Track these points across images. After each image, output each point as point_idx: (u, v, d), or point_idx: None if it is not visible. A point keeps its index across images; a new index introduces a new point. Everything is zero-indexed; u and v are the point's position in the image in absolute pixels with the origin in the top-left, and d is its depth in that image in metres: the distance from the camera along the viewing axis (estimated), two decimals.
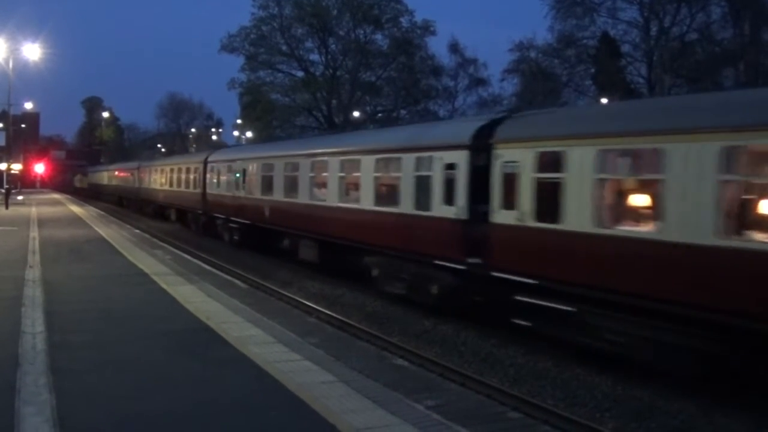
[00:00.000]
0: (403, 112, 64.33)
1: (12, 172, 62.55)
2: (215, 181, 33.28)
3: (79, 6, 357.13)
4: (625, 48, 51.37)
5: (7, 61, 45.33)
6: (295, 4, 60.65)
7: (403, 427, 7.18)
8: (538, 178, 13.13)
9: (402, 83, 63.02)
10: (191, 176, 38.05)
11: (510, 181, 13.71)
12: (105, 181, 76.48)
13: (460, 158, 15.32)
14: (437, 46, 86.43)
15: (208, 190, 34.21)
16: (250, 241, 28.72)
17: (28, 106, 70.13)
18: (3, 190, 51.38)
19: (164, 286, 15.90)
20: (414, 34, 62.40)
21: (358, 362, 10.73)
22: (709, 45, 47.47)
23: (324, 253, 22.07)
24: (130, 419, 7.19)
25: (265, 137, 62.77)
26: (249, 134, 76.59)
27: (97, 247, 23.95)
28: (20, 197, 62.27)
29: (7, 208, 46.47)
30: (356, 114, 62.01)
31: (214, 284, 16.77)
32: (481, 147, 14.83)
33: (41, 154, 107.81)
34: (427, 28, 62.13)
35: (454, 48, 65.45)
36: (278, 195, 25.38)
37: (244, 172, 29.44)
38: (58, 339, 10.40)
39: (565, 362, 12.62)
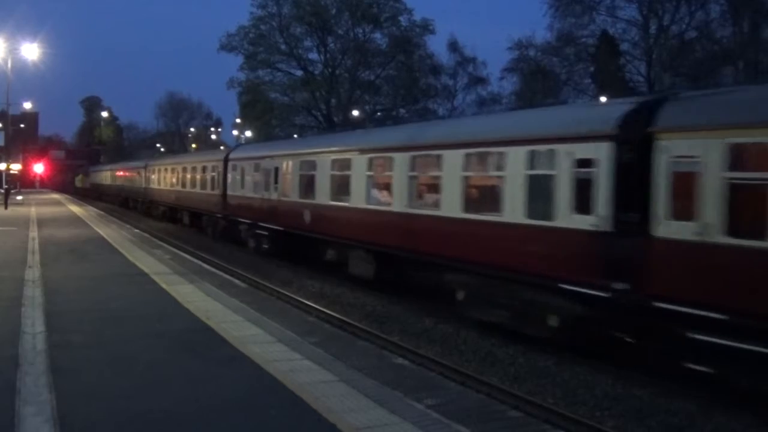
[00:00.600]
0: (402, 111, 64.34)
1: (11, 172, 62.48)
2: (238, 181, 29.80)
3: (78, 5, 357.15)
4: (625, 46, 51.41)
5: (5, 61, 45.27)
6: (293, 3, 60.65)
7: (403, 425, 7.18)
8: (732, 179, 9.98)
9: (401, 82, 63.03)
10: (208, 176, 34.33)
11: (684, 183, 10.60)
12: (108, 181, 72.88)
13: (601, 152, 11.93)
14: (436, 45, 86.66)
15: (230, 192, 30.64)
16: (283, 249, 25.34)
17: (27, 105, 70.15)
18: (2, 190, 51.37)
19: (164, 285, 15.90)
20: (413, 32, 62.45)
21: (358, 361, 10.74)
22: (709, 43, 47.46)
23: (382, 268, 18.96)
24: (130, 419, 7.19)
25: (264, 137, 62.79)
26: (248, 133, 76.60)
27: (96, 247, 23.94)
28: (19, 197, 62.21)
29: (6, 208, 46.46)
30: (355, 113, 62.00)
31: (214, 284, 16.77)
32: (630, 137, 11.61)
33: (40, 154, 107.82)
34: (426, 27, 62.18)
35: (453, 47, 65.59)
36: (322, 198, 21.74)
37: (276, 171, 25.67)
38: (58, 339, 10.40)
39: (566, 361, 12.62)
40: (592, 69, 53.17)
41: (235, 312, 13.10)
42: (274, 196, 25.58)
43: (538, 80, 53.32)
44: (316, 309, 17.15)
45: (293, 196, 23.93)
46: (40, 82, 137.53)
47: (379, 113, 65.27)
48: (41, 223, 34.25)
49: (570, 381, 11.73)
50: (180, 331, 11.31)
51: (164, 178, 45.33)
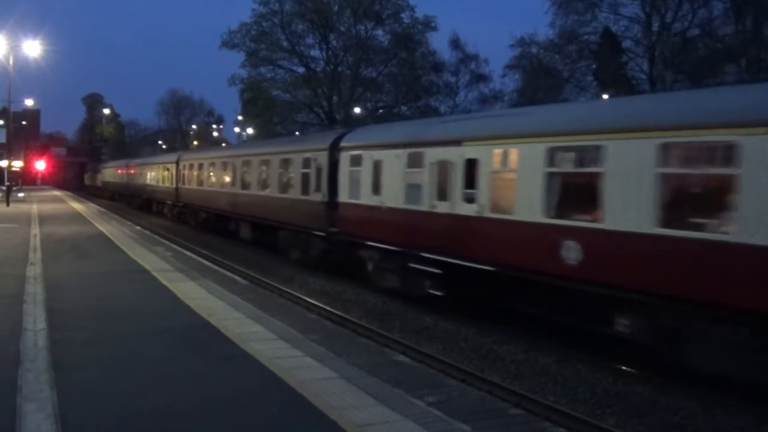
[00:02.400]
0: (404, 108, 64.35)
1: (13, 169, 62.49)
2: (363, 182, 19.36)
3: (80, 2, 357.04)
4: (627, 44, 51.35)
5: (7, 58, 45.25)
6: (295, 0, 60.61)
7: (404, 423, 7.18)
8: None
9: (403, 79, 63.07)
10: (294, 174, 24.64)
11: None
12: (124, 180, 63.53)
13: None
14: (438, 42, 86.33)
15: (343, 198, 20.50)
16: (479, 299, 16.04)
17: (29, 103, 69.95)
18: (4, 188, 51.33)
19: (165, 282, 15.91)
20: (415, 29, 62.45)
21: (359, 358, 10.75)
22: (711, 41, 47.37)
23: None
24: (132, 416, 7.19)
25: (266, 134, 62.83)
26: (250, 131, 76.62)
27: (98, 244, 23.95)
28: (21, 194, 62.22)
29: (8, 205, 46.47)
30: (357, 110, 62.02)
31: (215, 281, 16.78)
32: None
33: (42, 151, 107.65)
34: (428, 24, 62.17)
35: (455, 44, 65.62)
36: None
37: (470, 167, 15.07)
38: (60, 336, 10.41)
39: (566, 358, 12.62)
40: (594, 66, 53.12)
41: (236, 309, 13.11)
42: (463, 209, 15.12)
43: (540, 78, 53.23)
44: (318, 306, 17.16)
45: (531, 215, 13.21)
46: (42, 79, 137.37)
47: (380, 111, 65.25)
48: (43, 220, 34.26)
49: (571, 379, 11.74)
50: (181, 329, 11.31)
51: (208, 175, 36.51)
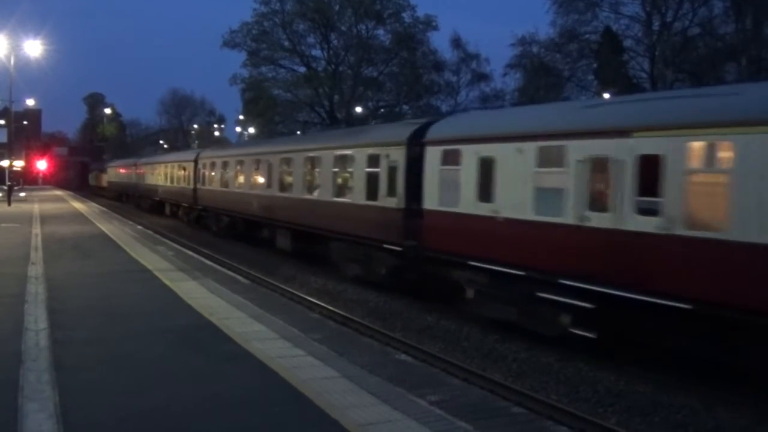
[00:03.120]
0: (405, 107, 64.37)
1: (14, 169, 62.49)
2: (472, 186, 15.14)
3: (80, 2, 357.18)
4: (628, 43, 51.39)
5: (8, 58, 45.26)
6: None
7: (406, 422, 7.17)
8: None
9: (404, 78, 63.07)
10: (352, 174, 20.61)
11: None
12: (132, 180, 59.91)
13: None
14: (439, 42, 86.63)
15: (436, 205, 16.33)
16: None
17: (30, 102, 69.98)
18: (5, 187, 51.31)
19: (167, 282, 15.91)
20: (416, 29, 62.49)
21: (361, 358, 10.74)
22: (711, 40, 47.38)
23: None
24: (133, 415, 7.19)
25: (267, 134, 62.82)
26: (251, 130, 76.63)
27: (99, 244, 23.94)
28: (22, 194, 62.22)
29: (9, 204, 46.48)
30: (358, 109, 62.03)
31: (217, 280, 16.77)
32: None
33: (43, 150, 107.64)
34: (429, 23, 62.18)
35: (456, 43, 65.65)
36: None
37: None
38: (61, 335, 10.40)
39: (568, 357, 12.61)
40: (595, 65, 53.13)
41: (237, 308, 13.10)
42: (636, 222, 11.47)
43: (541, 77, 53.25)
44: (320, 305, 17.16)
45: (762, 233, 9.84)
46: (43, 79, 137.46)
47: (382, 110, 65.27)
48: (44, 219, 34.25)
49: (573, 377, 11.73)
50: (183, 328, 11.31)
51: (234, 175, 32.01)
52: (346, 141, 22.20)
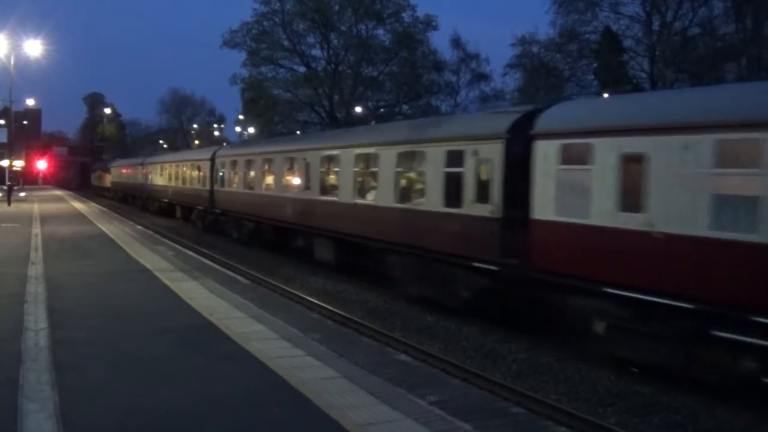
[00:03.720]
0: (405, 107, 64.39)
1: (14, 169, 62.48)
2: (610, 191, 11.99)
3: (81, 2, 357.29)
4: (628, 43, 51.33)
5: (8, 58, 45.28)
6: None
7: (406, 422, 7.18)
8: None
9: (404, 78, 63.07)
10: (423, 174, 17.29)
11: None
12: (138, 180, 56.53)
13: None
14: (439, 41, 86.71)
15: (553, 215, 13.16)
16: None
17: (30, 102, 70.03)
18: (5, 187, 51.30)
19: (167, 282, 15.91)
20: (416, 29, 62.48)
21: (361, 358, 10.74)
22: (711, 40, 47.34)
23: None
24: (133, 415, 7.19)
25: (266, 134, 62.82)
26: (251, 130, 76.63)
27: (99, 244, 23.95)
28: (22, 194, 62.23)
29: (9, 204, 46.49)
30: (358, 109, 62.03)
31: (217, 280, 16.77)
32: None
33: (43, 150, 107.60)
34: (429, 23, 62.18)
35: (456, 43, 65.77)
36: None
37: None
38: (61, 335, 10.41)
39: (568, 357, 12.62)
40: (595, 65, 53.12)
41: (237, 308, 13.11)
42: None
43: (541, 77, 53.25)
44: (319, 305, 17.16)
45: None
46: (43, 79, 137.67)
47: (381, 110, 65.28)
48: (44, 219, 34.26)
49: (572, 377, 11.74)
50: (183, 328, 11.31)
51: (261, 175, 28.19)
52: (413, 135, 18.34)
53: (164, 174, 47.09)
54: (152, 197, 50.72)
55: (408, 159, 18.06)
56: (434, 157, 16.54)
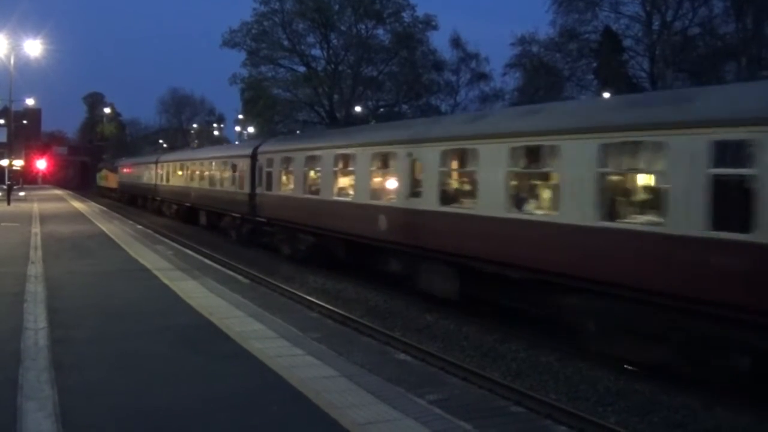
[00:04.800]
0: (404, 107, 64.39)
1: (14, 168, 62.44)
2: None
3: (80, 1, 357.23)
4: (628, 42, 51.43)
5: (8, 57, 45.26)
6: None
7: (406, 421, 7.17)
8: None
9: (404, 78, 63.06)
10: (660, 180, 11.35)
11: None
12: (151, 181, 50.70)
13: None
14: (439, 41, 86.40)
15: None
16: None
17: (30, 102, 69.96)
18: (5, 187, 51.29)
19: (166, 281, 15.90)
20: (415, 28, 62.45)
21: (361, 357, 10.75)
22: (712, 39, 47.39)
23: None
24: (132, 415, 7.18)
25: (266, 133, 62.80)
26: (251, 129, 76.61)
27: (99, 243, 23.94)
28: (22, 193, 62.20)
29: (9, 204, 46.47)
30: (358, 109, 62.02)
31: (216, 279, 16.76)
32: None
33: (43, 150, 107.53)
34: (429, 23, 62.16)
35: (456, 43, 65.75)
36: None
37: None
38: (60, 335, 10.40)
39: (568, 357, 12.61)
40: (595, 65, 53.16)
41: (237, 308, 13.09)
42: None
43: (540, 76, 53.25)
44: (319, 305, 17.15)
45: None
46: (43, 79, 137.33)
47: (381, 109, 65.27)
48: (43, 219, 34.24)
49: (572, 376, 11.73)
50: (182, 327, 11.30)
51: (332, 176, 21.76)
52: (630, 118, 11.92)
53: (185, 173, 41.25)
54: (168, 200, 45.25)
55: (619, 156, 12.33)
56: (680, 153, 10.72)
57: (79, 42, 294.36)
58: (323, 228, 21.89)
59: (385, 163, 19.21)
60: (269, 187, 26.67)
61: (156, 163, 50.03)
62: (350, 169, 20.82)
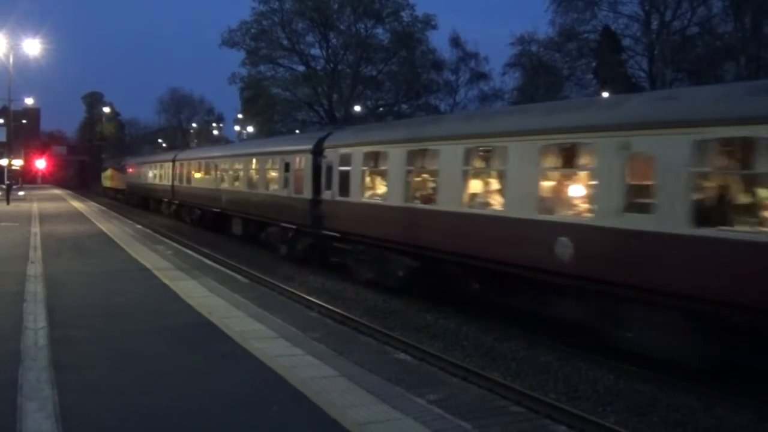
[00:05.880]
0: (404, 106, 64.40)
1: (13, 168, 62.42)
2: None
3: (79, 1, 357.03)
4: (627, 42, 51.51)
5: (7, 57, 45.24)
6: None
7: (405, 421, 7.17)
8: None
9: (403, 77, 63.13)
10: None
11: None
12: (165, 182, 45.24)
13: None
14: (438, 41, 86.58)
15: None
16: None
17: (29, 101, 69.89)
18: (4, 186, 51.28)
19: (166, 281, 15.90)
20: (415, 28, 62.51)
21: (360, 357, 10.75)
22: (710, 39, 47.43)
23: None
24: (132, 414, 7.18)
25: (265, 133, 62.82)
26: (250, 129, 76.59)
27: (98, 243, 23.94)
28: (21, 193, 62.22)
29: (8, 203, 46.46)
30: (357, 108, 62.02)
31: (216, 279, 16.77)
32: None
33: (42, 149, 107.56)
34: (428, 22, 62.21)
35: (455, 42, 65.80)
36: None
37: None
38: (60, 334, 10.40)
39: (567, 356, 12.61)
40: (594, 64, 53.18)
41: (236, 307, 13.09)
42: None
43: (540, 76, 53.28)
44: (318, 304, 17.14)
45: None
46: (42, 78, 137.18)
47: (380, 109, 65.29)
48: (43, 218, 34.24)
49: (572, 376, 11.73)
50: (182, 327, 11.31)
51: (447, 180, 16.05)
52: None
53: (213, 173, 35.30)
54: (189, 204, 39.81)
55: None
56: None
57: (78, 41, 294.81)
58: (440, 250, 15.97)
59: (569, 160, 13.23)
60: (344, 191, 20.23)
61: (173, 161, 43.93)
62: (497, 168, 14.98)
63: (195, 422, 7.07)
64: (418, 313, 16.46)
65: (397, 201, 17.73)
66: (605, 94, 39.07)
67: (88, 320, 11.56)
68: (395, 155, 18.01)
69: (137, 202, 56.09)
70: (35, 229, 28.12)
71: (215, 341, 10.38)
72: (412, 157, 17.49)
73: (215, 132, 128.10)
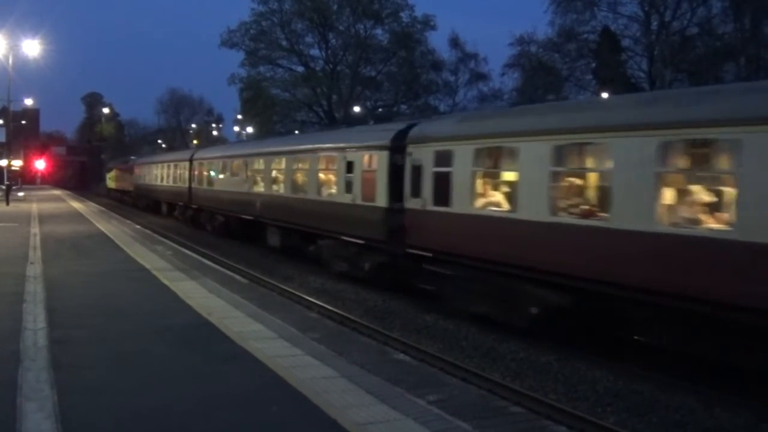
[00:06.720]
0: (403, 107, 64.39)
1: (12, 168, 62.39)
2: None
3: (79, 2, 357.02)
4: (626, 42, 51.42)
5: (7, 57, 45.21)
6: None
7: (405, 422, 7.17)
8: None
9: (402, 78, 63.11)
10: None
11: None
12: (180, 184, 40.68)
13: None
14: (437, 41, 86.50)
15: None
16: None
17: (28, 102, 69.96)
18: (3, 187, 51.30)
19: (165, 281, 15.89)
20: (414, 28, 62.45)
21: (360, 357, 10.75)
22: (710, 39, 47.40)
23: None
24: (132, 415, 7.18)
25: (266, 133, 62.79)
26: (249, 129, 76.57)
27: (98, 243, 23.93)
28: (21, 194, 62.21)
29: (7, 204, 46.45)
30: (356, 109, 62.02)
31: (215, 280, 16.76)
32: None
33: (41, 150, 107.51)
34: (428, 23, 62.16)
35: (455, 43, 65.74)
36: None
37: None
38: (60, 335, 10.39)
39: (567, 357, 12.61)
40: (593, 65, 53.16)
41: (236, 308, 13.09)
42: None
43: (539, 76, 53.26)
44: (318, 305, 17.14)
45: None
46: (41, 79, 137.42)
47: (380, 109, 65.29)
48: (42, 219, 34.24)
49: (571, 377, 11.73)
50: (181, 327, 11.29)
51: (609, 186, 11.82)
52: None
53: (243, 174, 30.19)
54: (210, 209, 34.91)
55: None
56: None
57: (77, 42, 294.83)
58: (614, 283, 11.40)
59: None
60: (442, 199, 15.88)
61: (191, 160, 39.20)
62: (720, 170, 10.84)
63: (194, 422, 7.07)
64: (417, 313, 16.46)
65: (532, 214, 13.22)
66: (605, 95, 39.05)
67: (88, 320, 11.56)
68: (528, 151, 13.60)
69: (146, 205, 51.87)
70: (35, 229, 28.11)
71: (215, 341, 10.37)
72: (559, 153, 12.97)
73: (215, 132, 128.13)
